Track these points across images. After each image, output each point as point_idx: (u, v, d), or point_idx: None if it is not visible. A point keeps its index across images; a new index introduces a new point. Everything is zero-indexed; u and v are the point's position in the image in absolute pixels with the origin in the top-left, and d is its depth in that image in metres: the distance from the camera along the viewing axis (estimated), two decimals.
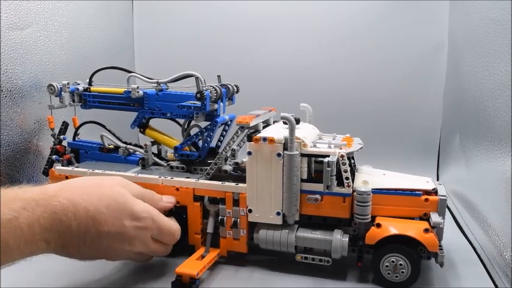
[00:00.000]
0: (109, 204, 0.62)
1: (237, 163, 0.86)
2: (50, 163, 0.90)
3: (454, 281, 0.73)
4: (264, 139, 0.71)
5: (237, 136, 0.78)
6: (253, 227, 0.77)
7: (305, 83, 1.37)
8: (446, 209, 0.98)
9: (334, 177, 0.68)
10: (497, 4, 0.85)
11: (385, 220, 0.70)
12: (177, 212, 0.78)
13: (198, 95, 0.80)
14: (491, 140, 0.86)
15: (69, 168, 0.87)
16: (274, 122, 0.87)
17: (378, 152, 1.14)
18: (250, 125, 0.75)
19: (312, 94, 1.28)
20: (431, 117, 1.35)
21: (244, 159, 0.79)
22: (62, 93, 0.90)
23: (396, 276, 0.69)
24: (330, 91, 1.36)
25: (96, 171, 0.83)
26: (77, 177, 0.81)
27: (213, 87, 0.82)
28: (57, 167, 0.88)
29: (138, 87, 0.86)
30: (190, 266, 0.71)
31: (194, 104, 0.80)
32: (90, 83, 0.93)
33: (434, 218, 0.68)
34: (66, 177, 0.85)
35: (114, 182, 0.68)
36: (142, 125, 0.91)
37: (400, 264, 0.69)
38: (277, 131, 0.75)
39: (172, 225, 0.72)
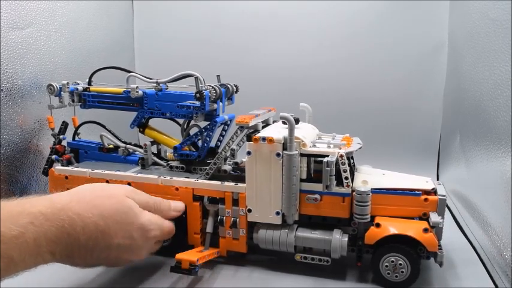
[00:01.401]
0: (119, 218, 0.62)
1: (236, 163, 0.86)
2: (50, 163, 0.90)
3: (454, 280, 0.73)
4: (264, 139, 0.71)
5: (237, 136, 0.78)
6: (252, 226, 0.77)
7: (305, 83, 1.37)
8: (446, 209, 0.99)
9: (334, 177, 0.68)
10: (497, 4, 0.85)
11: (385, 220, 0.70)
12: None
13: (198, 95, 0.80)
14: (491, 140, 0.86)
15: (69, 168, 0.87)
16: (273, 121, 0.87)
17: (378, 152, 1.14)
18: (250, 125, 0.75)
19: (311, 94, 1.28)
20: (431, 117, 1.35)
21: (244, 159, 0.79)
22: (62, 93, 0.90)
23: (396, 276, 0.69)
24: (330, 91, 1.36)
25: (96, 171, 0.83)
26: (77, 177, 0.82)
27: (213, 87, 0.82)
28: (57, 166, 0.88)
29: (137, 87, 0.86)
30: (190, 254, 0.71)
31: (193, 103, 0.81)
32: (89, 83, 0.93)
33: (434, 217, 0.68)
34: (66, 177, 0.85)
35: (122, 192, 0.67)
36: (141, 125, 0.91)
37: (400, 264, 0.69)
38: (277, 131, 0.75)
39: (171, 226, 0.73)
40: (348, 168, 0.70)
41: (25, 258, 0.52)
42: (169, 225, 0.72)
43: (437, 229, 0.69)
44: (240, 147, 0.82)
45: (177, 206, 0.76)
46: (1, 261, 0.49)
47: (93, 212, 0.60)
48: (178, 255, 0.70)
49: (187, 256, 0.70)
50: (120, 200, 0.65)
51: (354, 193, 0.70)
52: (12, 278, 0.54)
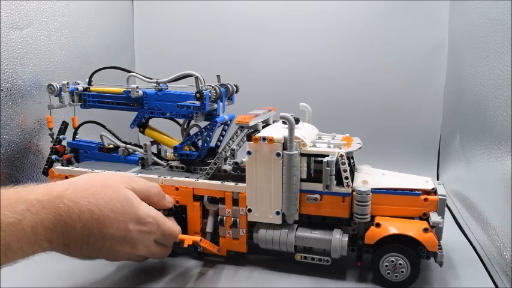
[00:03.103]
0: (114, 207, 0.62)
1: (236, 163, 0.86)
2: (50, 163, 0.90)
3: (454, 280, 0.73)
4: (264, 139, 0.71)
5: (237, 136, 0.78)
6: (252, 226, 0.77)
7: (305, 83, 1.37)
8: (446, 209, 0.99)
9: (334, 176, 0.68)
10: (497, 4, 0.85)
11: (385, 220, 0.70)
12: (177, 212, 0.78)
13: (198, 95, 0.80)
14: (491, 140, 0.86)
15: (69, 168, 0.87)
16: (273, 121, 0.87)
17: (378, 151, 1.14)
18: (250, 125, 0.75)
19: (311, 94, 1.29)
20: (431, 117, 1.35)
21: (244, 159, 0.79)
22: (62, 93, 0.90)
23: (396, 276, 0.69)
24: (330, 91, 1.36)
25: (96, 171, 0.83)
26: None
27: (213, 87, 0.82)
28: (57, 166, 0.88)
29: (137, 87, 0.86)
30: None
31: (193, 103, 0.81)
32: (89, 83, 0.93)
33: (434, 217, 0.68)
34: (66, 177, 0.85)
35: (120, 181, 0.67)
36: (141, 125, 0.91)
37: (400, 264, 0.69)
38: (277, 131, 0.75)
39: (174, 228, 0.72)
40: (348, 168, 0.70)
41: (23, 246, 0.52)
42: (171, 225, 0.71)
43: (437, 229, 0.69)
44: (240, 147, 0.82)
45: (169, 198, 0.76)
46: None
47: (89, 200, 0.59)
48: (182, 235, 0.71)
49: (190, 236, 0.71)
50: (117, 189, 0.64)
51: (354, 193, 0.70)
52: (13, 278, 0.54)
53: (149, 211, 0.67)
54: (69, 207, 0.57)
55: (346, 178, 0.70)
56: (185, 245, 0.69)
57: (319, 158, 0.71)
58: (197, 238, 0.70)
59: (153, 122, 0.93)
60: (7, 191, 0.54)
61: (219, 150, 0.80)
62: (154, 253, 0.70)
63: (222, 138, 0.92)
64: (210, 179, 0.80)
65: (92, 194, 0.60)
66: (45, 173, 0.90)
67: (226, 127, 0.91)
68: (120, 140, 0.93)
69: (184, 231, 0.77)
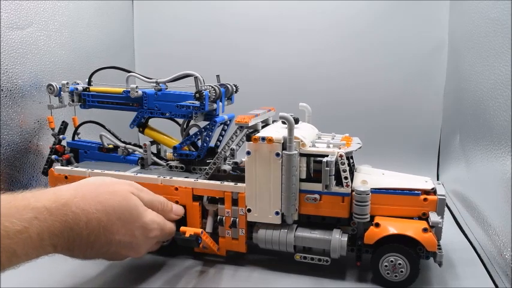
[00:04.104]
0: (122, 215, 0.63)
1: (236, 163, 0.86)
2: (50, 163, 0.90)
3: (453, 280, 0.73)
4: (263, 139, 0.71)
5: (236, 136, 0.78)
6: (252, 226, 0.77)
7: (304, 83, 1.37)
8: (446, 209, 0.98)
9: (333, 176, 0.68)
10: (497, 4, 0.85)
11: (384, 220, 0.70)
12: None
13: (197, 95, 0.80)
14: (491, 140, 0.86)
15: (69, 168, 0.87)
16: (273, 121, 0.87)
17: (378, 151, 1.14)
18: (249, 125, 0.75)
19: (311, 94, 1.29)
20: (431, 117, 1.35)
21: (243, 159, 0.79)
22: (62, 93, 0.90)
23: (395, 276, 0.69)
24: (330, 91, 1.36)
25: (96, 171, 0.83)
26: (76, 177, 0.82)
27: (212, 87, 0.82)
28: (57, 166, 0.88)
29: (137, 86, 0.86)
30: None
31: (193, 103, 0.81)
32: (89, 83, 0.93)
33: (433, 217, 0.68)
34: (66, 177, 0.85)
35: (128, 188, 0.67)
36: (141, 125, 0.91)
37: (399, 264, 0.69)
38: (276, 131, 0.75)
39: (172, 227, 0.73)
40: (347, 168, 0.70)
41: (28, 252, 0.53)
42: (171, 226, 0.73)
43: (436, 229, 0.69)
44: (240, 147, 0.82)
45: (178, 209, 0.76)
46: (4, 255, 0.50)
47: (97, 207, 0.60)
48: (183, 227, 0.71)
49: (192, 228, 0.72)
50: (125, 197, 0.65)
51: (354, 193, 0.70)
52: (12, 277, 0.54)
53: (154, 218, 0.69)
54: (77, 214, 0.58)
55: (346, 178, 0.70)
56: (187, 235, 0.70)
57: (319, 158, 0.71)
58: (198, 230, 0.71)
59: (152, 122, 0.93)
60: (15, 197, 0.54)
61: (219, 150, 0.80)
62: (151, 250, 0.73)
63: (221, 138, 0.92)
64: (209, 179, 0.80)
65: (100, 202, 0.61)
66: (45, 173, 0.90)
67: (226, 127, 0.91)
68: (119, 140, 0.93)
69: None
